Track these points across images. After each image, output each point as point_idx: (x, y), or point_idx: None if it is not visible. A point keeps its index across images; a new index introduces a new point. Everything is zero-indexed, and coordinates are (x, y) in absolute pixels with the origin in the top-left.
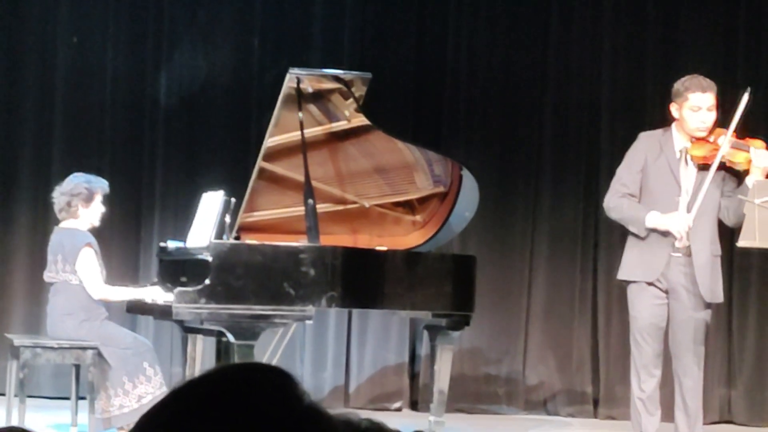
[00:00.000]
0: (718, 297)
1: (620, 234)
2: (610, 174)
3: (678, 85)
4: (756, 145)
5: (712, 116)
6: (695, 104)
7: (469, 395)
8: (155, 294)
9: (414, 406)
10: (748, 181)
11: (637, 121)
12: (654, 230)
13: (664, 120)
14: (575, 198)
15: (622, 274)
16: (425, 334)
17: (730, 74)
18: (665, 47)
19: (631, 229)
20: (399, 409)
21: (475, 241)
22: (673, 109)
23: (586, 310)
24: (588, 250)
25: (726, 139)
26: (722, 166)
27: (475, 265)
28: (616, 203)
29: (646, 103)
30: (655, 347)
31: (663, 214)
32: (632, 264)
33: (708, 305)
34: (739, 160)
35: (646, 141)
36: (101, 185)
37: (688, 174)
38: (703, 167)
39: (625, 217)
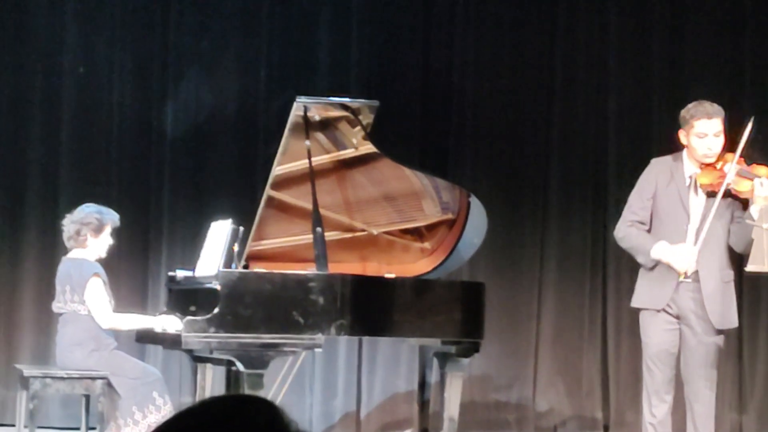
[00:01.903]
0: (732, 323)
1: (629, 259)
2: (618, 199)
3: (684, 113)
4: (761, 173)
5: (719, 142)
6: (701, 131)
7: (479, 422)
8: (166, 323)
9: None
10: (752, 209)
11: (644, 145)
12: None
13: (671, 144)
14: (584, 223)
15: (634, 302)
16: (435, 361)
17: (737, 96)
18: (671, 70)
19: (639, 259)
20: None
21: (483, 268)
22: (681, 136)
23: (596, 336)
24: (597, 275)
25: (731, 166)
26: (728, 194)
27: (484, 292)
28: (625, 232)
29: (653, 127)
30: (666, 373)
31: (670, 246)
32: (643, 292)
33: (720, 331)
34: (743, 188)
35: (657, 167)
36: (112, 218)
37: (698, 201)
38: (711, 194)
39: (633, 246)
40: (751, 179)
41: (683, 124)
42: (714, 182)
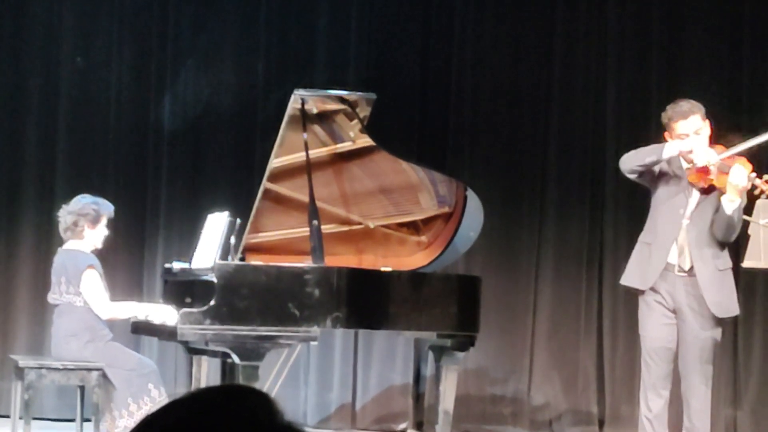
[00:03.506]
0: (732, 310)
1: (625, 253)
2: (615, 194)
3: (663, 116)
4: (738, 162)
5: (701, 139)
6: (681, 132)
7: (474, 415)
8: (164, 316)
9: (419, 426)
10: (723, 199)
11: (642, 141)
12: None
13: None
14: (581, 218)
15: (623, 279)
16: (430, 354)
17: (735, 92)
18: (670, 67)
19: (648, 159)
20: (404, 430)
21: (479, 262)
22: (667, 138)
23: (592, 330)
24: (593, 269)
25: (715, 161)
26: (713, 189)
27: (480, 286)
28: (631, 152)
29: (651, 124)
30: (663, 367)
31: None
32: (631, 270)
33: (718, 322)
34: (723, 183)
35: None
36: (108, 209)
37: (692, 198)
38: (702, 191)
39: (643, 151)
40: (728, 173)
41: (666, 127)
42: (701, 179)
